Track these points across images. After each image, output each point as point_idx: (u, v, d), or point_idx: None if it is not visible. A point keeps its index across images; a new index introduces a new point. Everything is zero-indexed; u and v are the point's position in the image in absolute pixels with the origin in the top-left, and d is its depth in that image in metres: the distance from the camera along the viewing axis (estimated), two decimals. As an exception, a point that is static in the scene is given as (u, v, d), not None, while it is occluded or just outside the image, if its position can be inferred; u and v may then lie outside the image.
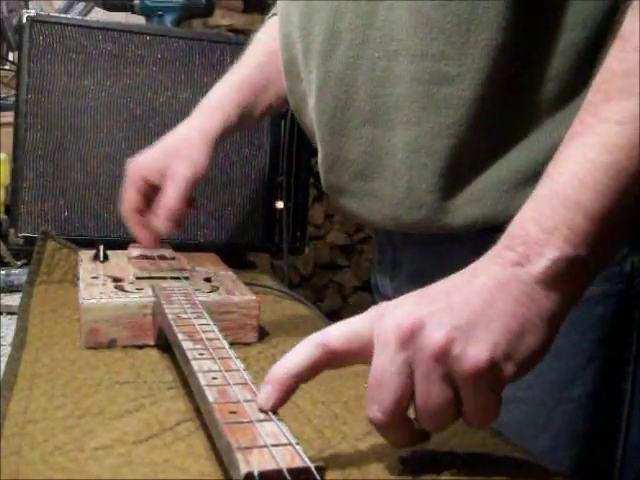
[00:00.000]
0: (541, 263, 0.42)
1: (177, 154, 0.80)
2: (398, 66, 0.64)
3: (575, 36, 0.59)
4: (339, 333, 0.44)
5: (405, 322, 0.42)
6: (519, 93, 0.61)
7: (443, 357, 0.41)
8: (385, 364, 0.42)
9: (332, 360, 0.44)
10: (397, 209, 0.67)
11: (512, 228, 0.44)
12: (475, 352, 0.41)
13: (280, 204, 1.08)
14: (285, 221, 1.08)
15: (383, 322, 0.43)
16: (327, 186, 0.77)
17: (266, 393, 0.43)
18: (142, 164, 0.81)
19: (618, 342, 0.65)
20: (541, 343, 0.43)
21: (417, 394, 0.42)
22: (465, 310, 0.42)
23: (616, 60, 0.43)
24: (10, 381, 0.56)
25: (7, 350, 0.65)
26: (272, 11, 0.93)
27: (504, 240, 0.44)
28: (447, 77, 0.61)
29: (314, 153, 0.80)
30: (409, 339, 0.42)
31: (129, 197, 0.81)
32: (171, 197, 0.78)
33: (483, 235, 0.62)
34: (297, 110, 0.80)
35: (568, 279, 0.43)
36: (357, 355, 0.44)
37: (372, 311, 0.45)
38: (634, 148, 0.41)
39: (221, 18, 2.09)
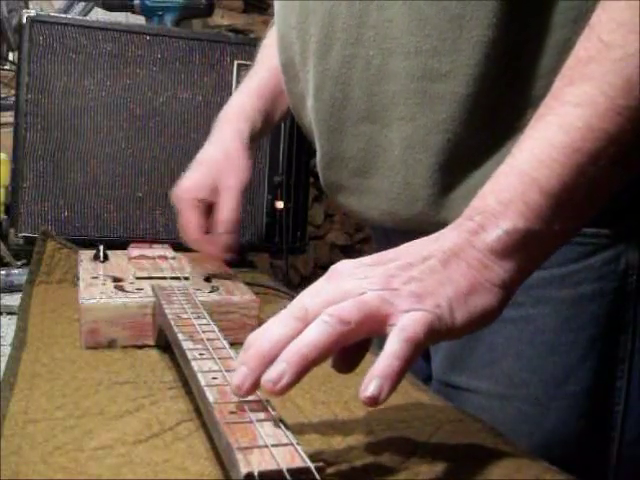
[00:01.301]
0: (495, 233, 0.44)
1: (221, 168, 0.81)
2: (392, 63, 0.64)
3: (566, 33, 0.59)
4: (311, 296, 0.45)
5: (357, 263, 0.45)
6: (512, 89, 0.62)
7: (391, 296, 0.43)
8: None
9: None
10: (394, 204, 0.68)
11: (475, 200, 0.47)
12: (418, 305, 0.42)
13: (280, 204, 1.08)
14: (285, 221, 1.08)
15: (340, 265, 0.46)
16: (326, 184, 0.77)
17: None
18: (193, 186, 0.81)
19: (612, 340, 0.65)
20: (490, 305, 0.44)
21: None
22: (420, 266, 0.44)
23: (582, 47, 0.46)
24: (10, 381, 0.56)
25: (7, 350, 0.65)
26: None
27: (466, 211, 0.47)
28: (440, 73, 0.62)
29: (314, 153, 0.81)
30: (364, 275, 0.44)
31: (191, 220, 0.80)
32: (230, 210, 0.79)
33: None
34: (295, 110, 0.81)
35: (520, 250, 0.45)
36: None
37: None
38: (590, 130, 0.43)
39: (221, 18, 2.09)
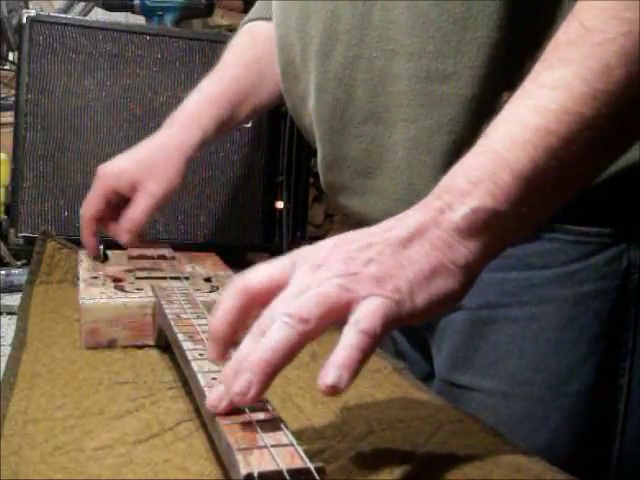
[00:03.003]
0: (461, 211, 0.43)
1: (152, 170, 0.80)
2: (396, 65, 0.64)
3: None
4: (258, 274, 0.44)
5: (321, 249, 0.44)
6: (515, 90, 0.62)
7: (349, 282, 0.41)
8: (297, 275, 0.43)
9: (257, 301, 0.44)
10: (397, 205, 0.68)
11: (444, 179, 0.46)
12: (378, 290, 0.41)
13: (280, 204, 1.08)
14: (285, 221, 1.08)
15: (302, 250, 0.44)
16: (326, 185, 0.77)
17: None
18: (115, 174, 0.81)
19: (615, 338, 0.66)
20: (452, 287, 0.43)
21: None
22: (380, 246, 0.43)
23: (563, 32, 0.45)
24: (10, 381, 0.56)
25: (7, 350, 0.65)
26: (246, 18, 0.93)
27: (435, 190, 0.46)
28: (444, 74, 0.62)
29: (314, 153, 0.81)
30: (323, 260, 0.43)
31: (94, 204, 0.81)
32: (140, 212, 0.79)
33: None
34: (295, 111, 0.80)
35: (486, 231, 0.44)
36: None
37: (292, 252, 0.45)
38: (565, 113, 0.43)
39: (221, 18, 2.09)
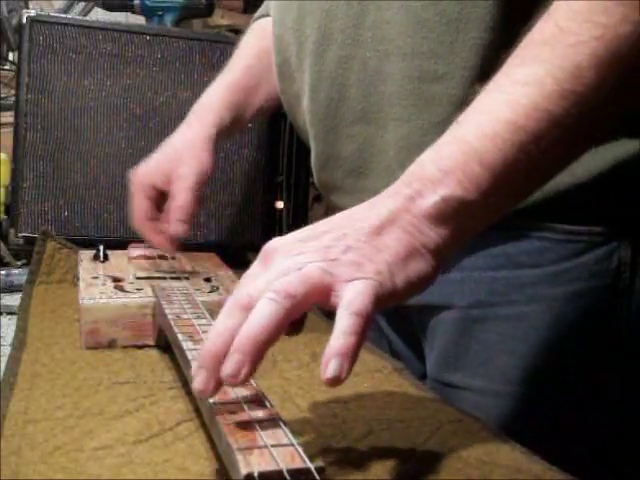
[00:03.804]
0: (431, 199, 0.45)
1: (180, 158, 0.80)
2: (389, 65, 0.65)
3: None
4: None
5: (293, 241, 0.44)
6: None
7: (330, 267, 0.42)
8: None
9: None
10: None
11: (413, 166, 0.47)
12: (359, 274, 0.42)
13: (280, 204, 1.08)
14: (285, 221, 1.08)
15: (272, 243, 0.45)
16: (320, 183, 0.78)
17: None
18: (147, 172, 0.81)
19: (606, 336, 0.66)
20: (425, 269, 0.45)
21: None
22: (354, 235, 0.44)
23: (537, 30, 0.47)
24: (10, 381, 0.56)
25: (7, 350, 0.65)
26: (256, 15, 0.93)
27: (404, 177, 0.47)
28: (436, 75, 0.62)
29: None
30: (300, 249, 0.43)
31: (139, 206, 0.80)
32: (182, 198, 0.78)
33: None
34: (290, 110, 0.81)
35: (455, 218, 0.45)
36: None
37: None
38: (535, 109, 0.44)
39: (221, 18, 2.09)
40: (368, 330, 0.41)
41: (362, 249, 0.43)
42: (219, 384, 0.41)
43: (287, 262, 0.43)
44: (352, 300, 0.41)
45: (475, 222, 0.47)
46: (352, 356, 0.40)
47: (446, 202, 0.44)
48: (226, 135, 0.86)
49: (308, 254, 0.43)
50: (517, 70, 0.46)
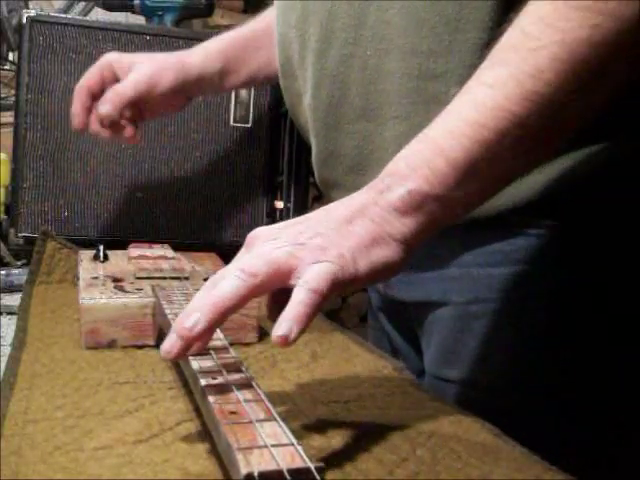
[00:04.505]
0: (398, 192, 0.48)
1: (152, 59, 0.85)
2: (389, 63, 0.66)
3: None
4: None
5: (274, 228, 0.49)
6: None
7: (297, 250, 0.46)
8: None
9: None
10: None
11: (389, 164, 0.51)
12: (323, 257, 0.46)
13: (280, 204, 1.08)
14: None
15: (256, 231, 0.50)
16: (320, 180, 0.78)
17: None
18: (117, 55, 0.85)
19: (605, 331, 0.66)
20: (391, 256, 0.48)
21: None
22: (326, 223, 0.48)
23: (506, 36, 0.49)
24: (10, 381, 0.56)
25: (7, 350, 0.65)
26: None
27: (381, 174, 0.51)
28: (435, 73, 0.63)
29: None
30: (277, 235, 0.48)
31: (89, 76, 0.84)
32: (125, 85, 0.82)
33: (471, 228, 0.63)
34: (292, 108, 0.82)
35: (421, 210, 0.48)
36: None
37: None
38: (498, 109, 0.47)
39: (221, 18, 2.09)
40: (322, 305, 0.45)
41: (329, 236, 0.47)
42: (185, 349, 0.45)
43: (264, 247, 0.47)
44: (309, 279, 0.45)
45: (443, 215, 0.50)
46: (301, 322, 0.44)
47: (411, 195, 0.48)
48: (209, 85, 0.88)
49: (282, 239, 0.47)
50: (485, 72, 0.49)
